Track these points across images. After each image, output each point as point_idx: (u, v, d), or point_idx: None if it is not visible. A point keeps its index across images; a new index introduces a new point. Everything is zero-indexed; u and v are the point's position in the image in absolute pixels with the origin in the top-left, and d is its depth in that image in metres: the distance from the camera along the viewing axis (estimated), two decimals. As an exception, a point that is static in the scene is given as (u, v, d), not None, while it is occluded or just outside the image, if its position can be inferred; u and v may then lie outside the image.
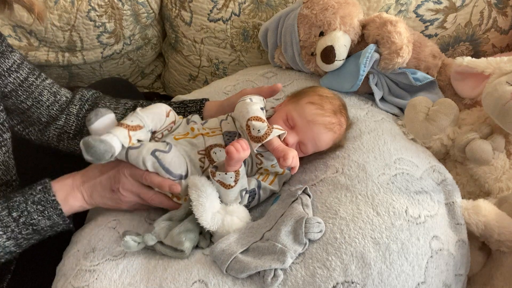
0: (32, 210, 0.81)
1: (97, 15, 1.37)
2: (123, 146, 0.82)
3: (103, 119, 0.85)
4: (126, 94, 1.16)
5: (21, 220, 0.81)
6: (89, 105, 1.04)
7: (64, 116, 1.02)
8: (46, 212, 0.82)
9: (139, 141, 0.86)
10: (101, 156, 0.79)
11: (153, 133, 0.90)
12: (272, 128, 0.83)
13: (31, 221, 0.82)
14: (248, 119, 0.84)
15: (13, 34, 1.36)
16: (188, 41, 1.50)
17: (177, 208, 0.87)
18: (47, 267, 0.90)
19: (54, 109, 1.01)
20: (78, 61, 1.47)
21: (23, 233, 0.82)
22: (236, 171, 0.82)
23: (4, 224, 0.80)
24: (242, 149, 0.80)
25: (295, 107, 0.90)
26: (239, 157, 0.80)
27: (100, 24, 1.39)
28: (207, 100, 1.06)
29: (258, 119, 0.84)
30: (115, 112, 1.02)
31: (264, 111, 0.90)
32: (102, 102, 1.04)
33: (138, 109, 0.87)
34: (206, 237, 0.86)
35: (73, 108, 1.03)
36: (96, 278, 0.81)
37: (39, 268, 0.90)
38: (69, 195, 0.85)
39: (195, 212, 0.82)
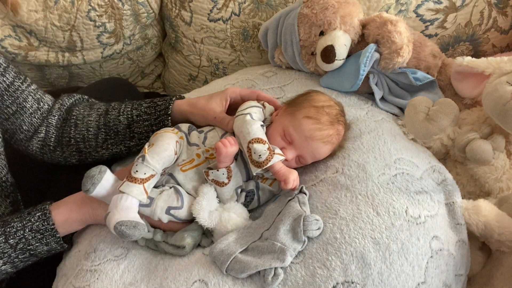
0: (30, 237, 0.81)
1: (97, 15, 1.37)
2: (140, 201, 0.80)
3: (102, 185, 0.80)
4: (126, 94, 1.16)
5: (18, 246, 0.80)
6: (66, 113, 1.03)
7: (44, 128, 1.00)
8: (44, 239, 0.82)
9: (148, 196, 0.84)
10: (137, 238, 0.78)
11: None
12: (274, 153, 0.82)
13: (29, 247, 0.81)
14: (249, 142, 0.83)
15: (13, 34, 1.36)
16: (188, 41, 1.50)
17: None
18: (48, 267, 0.90)
19: (36, 117, 0.99)
20: (78, 61, 1.47)
21: (20, 257, 0.82)
22: (227, 167, 0.83)
23: (0, 250, 0.79)
24: (230, 144, 0.82)
25: (291, 122, 0.88)
26: (227, 152, 0.81)
27: (100, 24, 1.39)
28: (180, 97, 1.03)
29: (259, 141, 0.83)
30: (88, 120, 1.00)
31: (264, 127, 0.88)
32: (76, 109, 1.02)
33: (148, 157, 0.81)
34: (208, 236, 0.87)
35: (52, 119, 1.01)
36: (97, 278, 0.81)
37: (39, 269, 0.90)
38: (72, 225, 0.85)
39: (192, 211, 0.83)
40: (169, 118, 0.98)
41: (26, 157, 1.04)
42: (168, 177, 0.87)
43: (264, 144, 0.83)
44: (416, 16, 1.29)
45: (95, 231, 0.90)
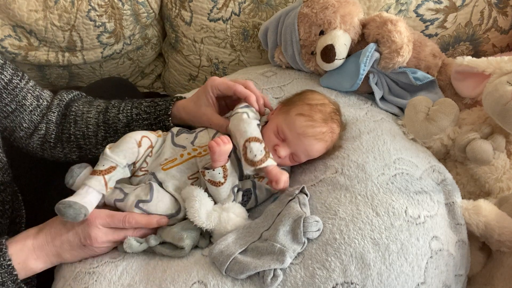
0: None
1: (97, 15, 1.37)
2: (103, 194, 0.84)
3: (80, 178, 0.86)
4: (126, 94, 1.15)
5: None
6: (65, 109, 1.02)
7: (44, 124, 1.00)
8: (0, 277, 0.76)
9: (118, 188, 0.87)
10: (75, 219, 0.79)
11: (134, 164, 0.89)
12: (268, 156, 0.84)
13: None
14: (246, 140, 0.84)
15: (13, 34, 1.36)
16: (188, 41, 1.50)
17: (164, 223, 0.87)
18: (46, 270, 0.89)
19: (36, 114, 0.99)
20: (78, 61, 1.47)
21: None
22: (223, 166, 0.83)
23: None
24: (223, 143, 0.82)
25: (285, 119, 0.89)
26: (220, 150, 0.82)
27: (100, 24, 1.39)
28: (180, 98, 1.02)
29: (256, 140, 0.84)
30: (87, 117, 1.01)
31: (260, 126, 0.90)
32: (75, 105, 1.02)
33: (107, 150, 0.86)
34: (205, 237, 0.87)
35: (51, 115, 1.00)
36: (96, 280, 0.81)
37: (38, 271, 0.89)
38: (29, 257, 0.80)
39: (188, 217, 0.83)
40: (169, 118, 0.99)
41: (25, 157, 1.04)
42: (150, 176, 0.89)
43: (261, 143, 0.84)
44: (416, 16, 1.28)
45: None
